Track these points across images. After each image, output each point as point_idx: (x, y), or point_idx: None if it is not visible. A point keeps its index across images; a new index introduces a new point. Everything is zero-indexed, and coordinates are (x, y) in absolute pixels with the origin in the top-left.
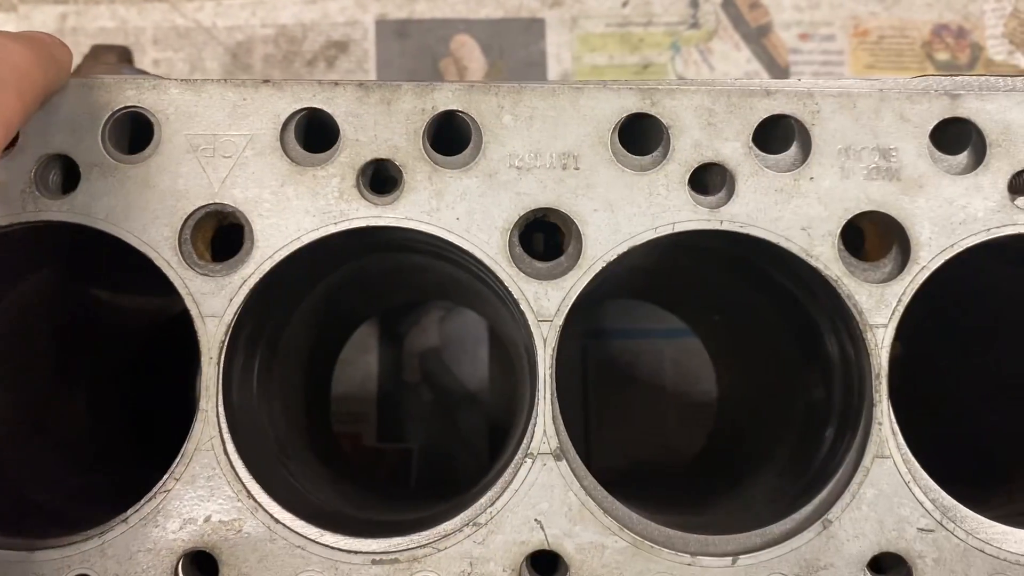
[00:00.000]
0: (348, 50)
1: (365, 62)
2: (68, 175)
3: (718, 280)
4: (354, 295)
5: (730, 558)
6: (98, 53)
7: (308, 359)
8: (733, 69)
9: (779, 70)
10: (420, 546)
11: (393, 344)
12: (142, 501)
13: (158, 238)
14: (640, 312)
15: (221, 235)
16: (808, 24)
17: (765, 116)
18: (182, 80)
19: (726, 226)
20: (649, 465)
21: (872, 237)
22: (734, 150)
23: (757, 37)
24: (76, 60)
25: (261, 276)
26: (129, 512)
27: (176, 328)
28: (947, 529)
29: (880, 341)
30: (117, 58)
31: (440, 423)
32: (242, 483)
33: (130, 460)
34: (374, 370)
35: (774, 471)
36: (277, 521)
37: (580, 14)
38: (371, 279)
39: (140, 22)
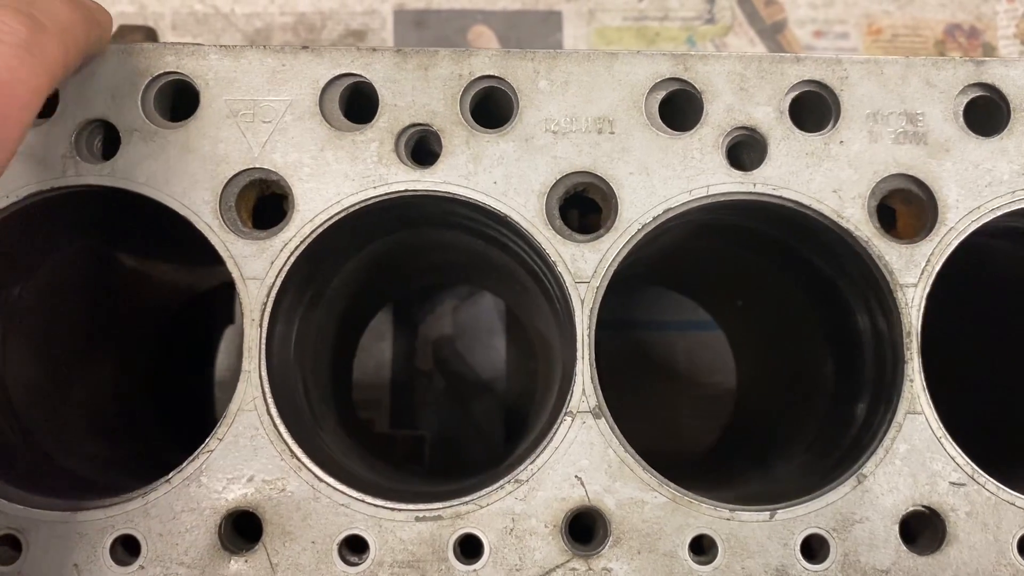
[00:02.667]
0: (366, 39)
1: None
2: (108, 141)
3: (745, 263)
4: (381, 274)
5: (767, 512)
6: (124, 33)
7: (336, 334)
8: None
9: None
10: (463, 502)
11: (407, 332)
12: (185, 462)
13: (199, 202)
14: (656, 304)
15: (262, 205)
16: (822, 21)
17: (796, 81)
18: (221, 46)
19: (759, 188)
20: (664, 455)
21: (904, 217)
22: (766, 115)
23: (772, 33)
24: None
25: (302, 239)
26: (172, 473)
27: (201, 307)
28: (978, 483)
29: (910, 300)
30: (143, 38)
31: (453, 411)
32: (285, 442)
33: (153, 433)
34: (388, 357)
35: (802, 448)
36: (320, 480)
37: (597, 7)
38: (399, 257)
39: (159, 8)
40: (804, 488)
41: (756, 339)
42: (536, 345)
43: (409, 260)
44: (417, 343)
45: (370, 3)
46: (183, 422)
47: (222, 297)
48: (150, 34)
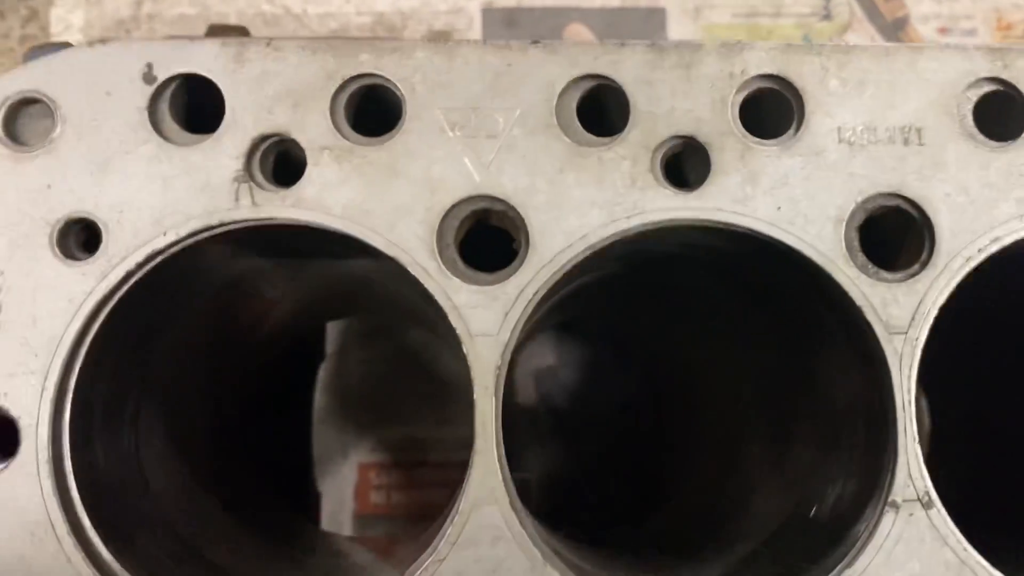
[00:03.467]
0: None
1: None
2: (286, 161)
3: None
4: (562, 307)
5: None
6: (215, 33)
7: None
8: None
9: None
10: None
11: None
12: (408, 574)
13: (411, 238)
14: None
15: (472, 238)
16: (948, 17)
17: None
18: (430, 42)
19: None
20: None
21: None
22: None
23: (893, 31)
24: None
25: (541, 284)
26: None
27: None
28: None
29: None
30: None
31: (559, 450)
32: (536, 546)
33: (260, 492)
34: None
35: None
36: None
37: (704, 3)
38: (599, 294)
39: (223, 8)
40: None
41: None
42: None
43: (609, 298)
44: (516, 376)
45: (456, 1)
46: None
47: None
48: (243, 33)
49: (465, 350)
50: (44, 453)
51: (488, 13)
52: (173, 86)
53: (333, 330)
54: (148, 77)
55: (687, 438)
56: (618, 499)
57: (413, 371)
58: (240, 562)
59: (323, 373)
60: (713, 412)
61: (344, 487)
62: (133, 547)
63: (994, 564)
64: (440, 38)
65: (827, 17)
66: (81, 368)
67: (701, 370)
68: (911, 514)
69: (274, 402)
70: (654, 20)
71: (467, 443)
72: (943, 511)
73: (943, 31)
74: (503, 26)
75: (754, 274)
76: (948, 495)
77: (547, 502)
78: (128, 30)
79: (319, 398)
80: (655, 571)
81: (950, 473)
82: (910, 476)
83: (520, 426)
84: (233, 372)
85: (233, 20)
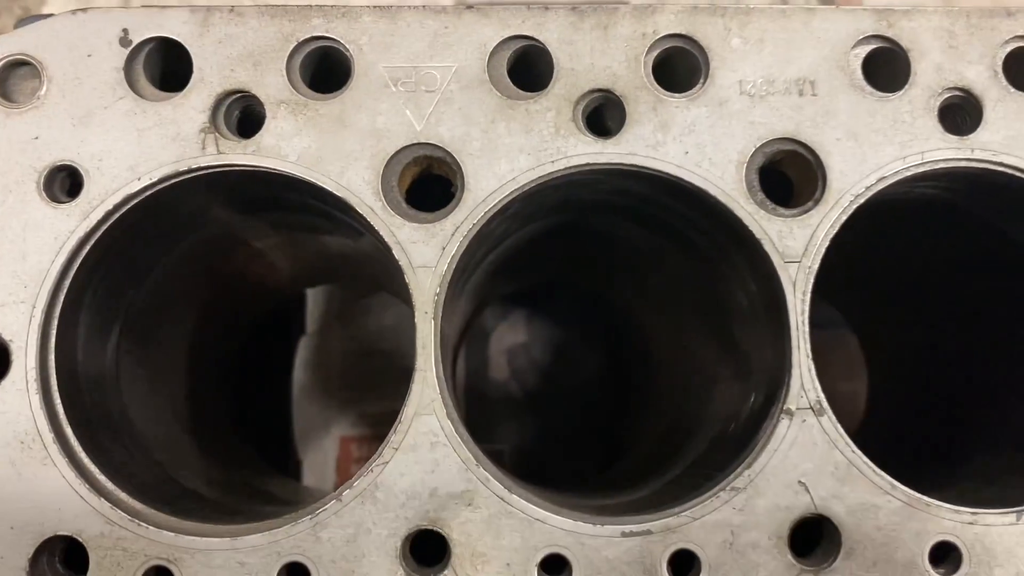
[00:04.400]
0: None
1: None
2: (248, 115)
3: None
4: (515, 265)
5: (1014, 514)
6: None
7: (460, 329)
8: None
9: None
10: (674, 514)
11: (480, 341)
12: (355, 477)
13: (359, 182)
14: None
15: (420, 185)
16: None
17: (1009, 37)
18: (375, 7)
19: (977, 154)
20: None
21: None
22: (978, 74)
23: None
24: None
25: (475, 222)
26: (341, 489)
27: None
28: None
29: None
30: None
31: (531, 423)
32: (468, 450)
33: (239, 450)
34: (461, 368)
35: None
36: (511, 492)
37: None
38: (538, 247)
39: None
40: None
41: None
42: (660, 341)
43: (546, 249)
44: (490, 352)
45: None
46: (263, 435)
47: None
48: None
49: (407, 280)
50: (32, 373)
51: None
52: (147, 49)
53: (314, 308)
54: (124, 41)
55: (641, 393)
56: (585, 459)
57: (392, 347)
58: (212, 488)
59: (304, 350)
60: (660, 361)
61: (326, 459)
62: (111, 458)
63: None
64: None
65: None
66: (65, 298)
67: (645, 320)
68: (804, 420)
69: (256, 375)
70: None
71: None
72: (833, 418)
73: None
74: (463, 3)
75: (669, 216)
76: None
77: (520, 469)
78: None
79: (300, 374)
80: (598, 498)
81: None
82: (803, 387)
83: (493, 401)
84: (215, 324)
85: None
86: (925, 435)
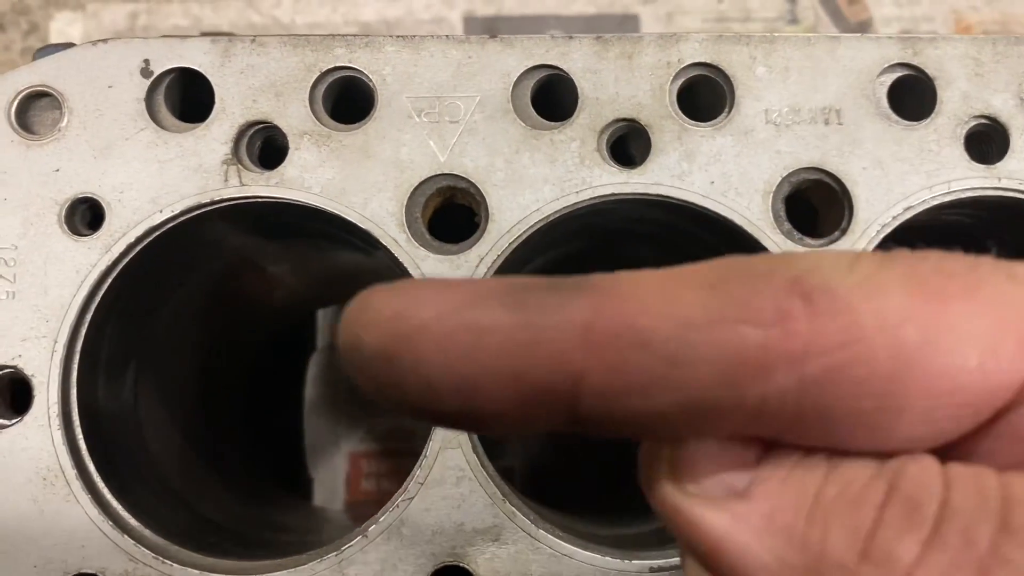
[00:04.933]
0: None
1: None
2: (269, 146)
3: None
4: None
5: None
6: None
7: None
8: None
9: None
10: None
11: None
12: (380, 512)
13: (383, 213)
14: None
15: (442, 215)
16: (909, 20)
17: None
18: (398, 36)
19: (1004, 183)
20: None
21: None
22: (1004, 102)
23: (858, 33)
24: None
25: (499, 253)
26: (367, 524)
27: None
28: None
29: None
30: None
31: (541, 437)
32: (495, 484)
33: (253, 473)
34: None
35: None
36: (538, 527)
37: (675, 9)
38: (560, 272)
39: (215, 19)
40: None
41: None
42: None
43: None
44: None
45: (438, 11)
46: (276, 454)
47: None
48: None
49: None
50: (55, 408)
51: (469, 22)
52: (168, 79)
53: (324, 325)
54: (145, 72)
55: None
56: (593, 477)
57: None
58: (229, 519)
59: (314, 366)
60: None
61: (336, 475)
62: (133, 494)
63: None
64: None
65: (793, 21)
66: (87, 332)
67: None
68: None
69: (268, 394)
70: (628, 26)
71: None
72: None
73: (905, 33)
74: (484, 34)
75: (692, 245)
76: None
77: (530, 487)
78: None
79: (311, 390)
80: (609, 524)
81: None
82: None
83: None
84: (227, 346)
85: (225, 30)
86: None
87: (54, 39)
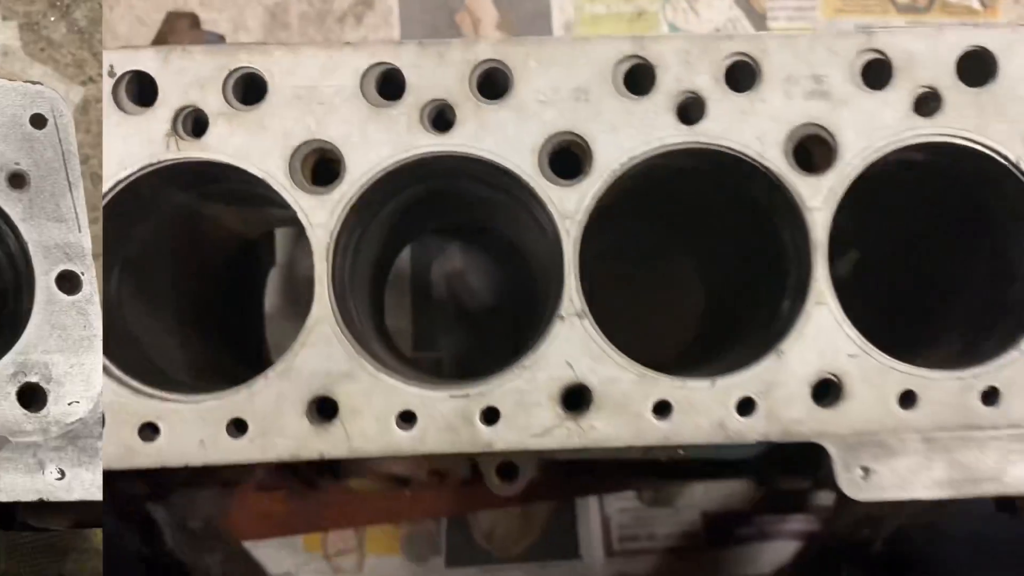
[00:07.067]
0: (374, 7)
1: (390, 16)
2: (198, 122)
3: (704, 202)
4: (409, 216)
5: (709, 380)
6: (172, 20)
7: (373, 271)
8: (716, 16)
9: (758, 16)
10: (485, 384)
11: (424, 270)
12: (277, 362)
13: (273, 168)
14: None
15: (319, 168)
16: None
17: (727, 53)
18: (282, 44)
19: (701, 139)
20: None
21: (817, 157)
22: (705, 81)
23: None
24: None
25: (354, 193)
26: (268, 370)
27: (249, 252)
28: (868, 355)
29: (816, 220)
30: (189, 23)
31: (466, 334)
32: (351, 344)
33: (221, 353)
34: (408, 290)
35: (746, 340)
36: (379, 370)
37: None
38: (422, 204)
39: None
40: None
41: (716, 261)
42: (536, 270)
43: (429, 207)
44: (432, 279)
45: None
46: (242, 345)
47: (266, 245)
48: (195, 20)
49: (308, 235)
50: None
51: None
52: (127, 78)
53: (282, 244)
54: (111, 73)
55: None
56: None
57: None
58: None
59: (274, 279)
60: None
61: None
62: (120, 359)
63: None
64: (364, 5)
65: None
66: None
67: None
68: (572, 323)
69: (232, 299)
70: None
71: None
72: (592, 320)
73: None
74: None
75: (497, 180)
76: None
77: (457, 375)
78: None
79: (271, 300)
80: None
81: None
82: (571, 300)
83: (433, 316)
84: (194, 265)
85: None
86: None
87: None
